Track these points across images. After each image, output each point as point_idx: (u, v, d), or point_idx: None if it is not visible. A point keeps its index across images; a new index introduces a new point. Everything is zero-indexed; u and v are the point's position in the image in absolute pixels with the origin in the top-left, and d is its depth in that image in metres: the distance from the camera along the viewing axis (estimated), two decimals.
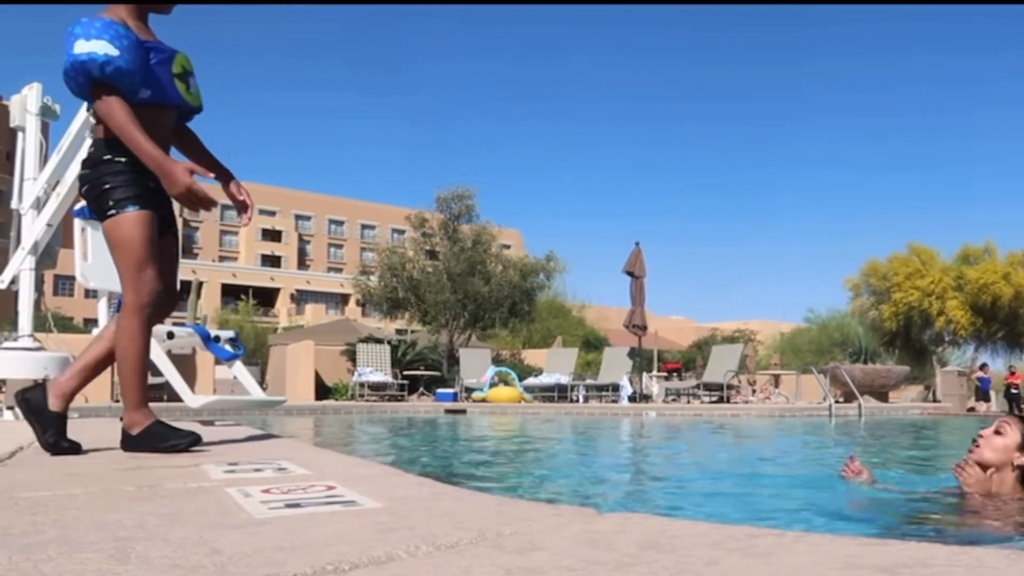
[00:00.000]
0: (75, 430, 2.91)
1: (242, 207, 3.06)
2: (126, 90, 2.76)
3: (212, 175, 3.12)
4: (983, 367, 23.64)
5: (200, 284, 22.17)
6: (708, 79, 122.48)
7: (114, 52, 2.70)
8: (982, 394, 22.06)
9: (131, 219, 2.80)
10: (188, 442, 2.78)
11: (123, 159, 2.83)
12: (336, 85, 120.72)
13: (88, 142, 3.01)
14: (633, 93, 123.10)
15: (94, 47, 2.69)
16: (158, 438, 2.78)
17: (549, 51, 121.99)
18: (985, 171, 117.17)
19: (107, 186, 2.83)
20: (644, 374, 17.81)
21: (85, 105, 2.93)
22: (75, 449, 2.79)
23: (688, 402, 16.96)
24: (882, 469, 4.39)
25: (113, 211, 2.81)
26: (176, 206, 3.00)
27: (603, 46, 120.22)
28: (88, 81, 2.73)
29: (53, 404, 2.83)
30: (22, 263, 5.35)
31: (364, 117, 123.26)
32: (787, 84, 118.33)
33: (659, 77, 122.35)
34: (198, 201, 2.78)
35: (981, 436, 2.96)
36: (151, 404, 2.88)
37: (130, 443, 2.81)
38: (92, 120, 2.96)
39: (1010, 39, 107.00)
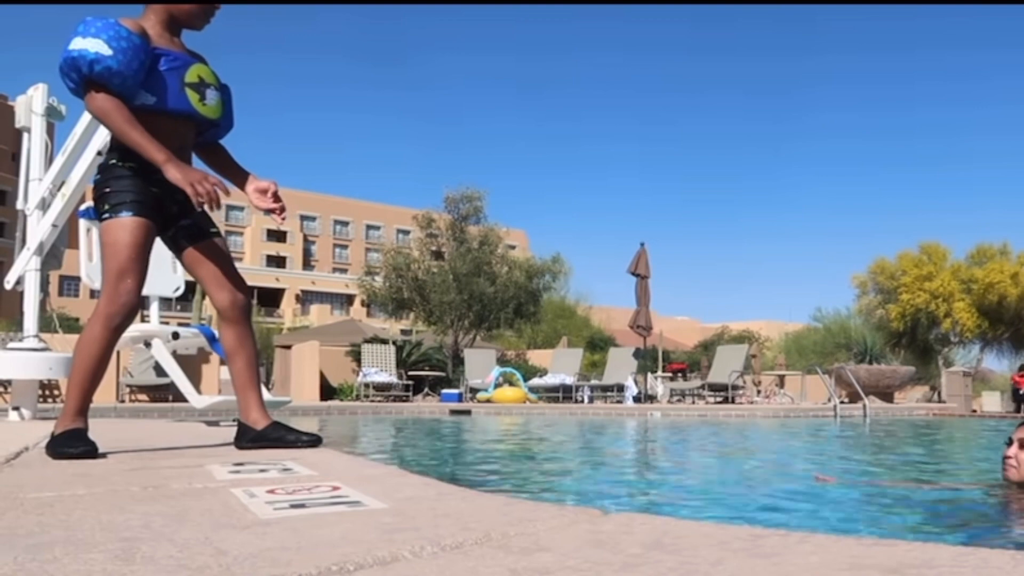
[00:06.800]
0: None
1: (274, 212, 3.04)
2: (120, 92, 2.73)
3: (229, 188, 3.03)
4: None
5: None
6: (714, 75, 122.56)
7: (106, 52, 2.68)
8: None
9: (121, 224, 2.78)
10: (77, 452, 2.69)
11: (125, 164, 2.82)
12: (339, 82, 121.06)
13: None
14: (637, 90, 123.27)
15: (87, 45, 2.69)
16: (59, 443, 2.74)
17: (554, 49, 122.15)
18: (1004, 169, 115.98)
19: (107, 190, 2.82)
20: (649, 375, 17.79)
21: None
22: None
23: (693, 402, 16.95)
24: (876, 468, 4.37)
25: (107, 215, 2.81)
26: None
27: (608, 43, 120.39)
28: (80, 78, 2.74)
29: (259, 424, 3.06)
30: (27, 264, 5.36)
31: (368, 115, 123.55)
32: (794, 80, 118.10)
33: (664, 74, 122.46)
34: (207, 197, 2.71)
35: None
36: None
37: (49, 441, 2.79)
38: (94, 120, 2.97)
39: None
